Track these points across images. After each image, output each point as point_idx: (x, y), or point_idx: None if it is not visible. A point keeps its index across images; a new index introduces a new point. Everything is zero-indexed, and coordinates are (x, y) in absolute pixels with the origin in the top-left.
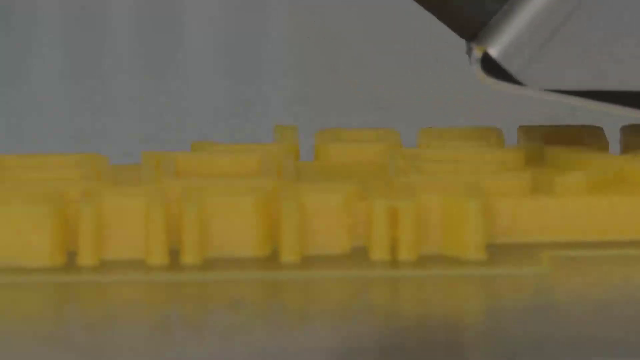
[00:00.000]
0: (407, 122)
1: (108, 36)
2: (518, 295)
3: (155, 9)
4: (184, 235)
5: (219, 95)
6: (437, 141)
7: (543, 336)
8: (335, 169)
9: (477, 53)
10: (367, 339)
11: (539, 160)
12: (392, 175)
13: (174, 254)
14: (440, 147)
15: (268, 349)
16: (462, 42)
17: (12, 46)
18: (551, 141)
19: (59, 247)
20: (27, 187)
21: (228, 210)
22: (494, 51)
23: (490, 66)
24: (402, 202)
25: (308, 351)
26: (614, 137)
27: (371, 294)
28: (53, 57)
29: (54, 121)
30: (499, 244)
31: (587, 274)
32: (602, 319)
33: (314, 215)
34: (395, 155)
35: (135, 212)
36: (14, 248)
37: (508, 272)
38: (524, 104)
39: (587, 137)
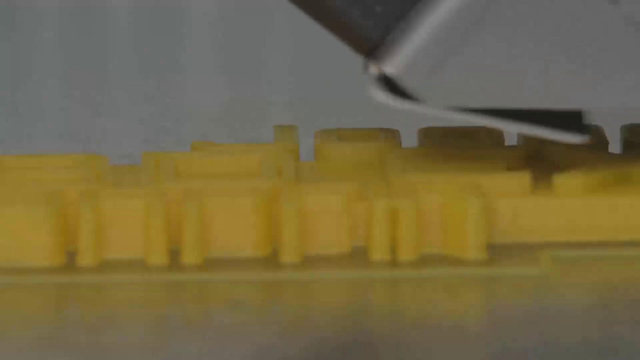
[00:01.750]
0: (407, 122)
1: (108, 36)
2: (518, 295)
3: (155, 9)
4: (184, 236)
5: (219, 95)
6: (437, 141)
7: (543, 336)
8: (336, 168)
9: (374, 70)
10: (368, 339)
11: (539, 160)
12: (392, 175)
13: (174, 254)
14: (440, 147)
15: (268, 349)
16: None
17: (12, 46)
18: (551, 141)
19: (59, 248)
20: (28, 187)
21: (228, 211)
22: (390, 69)
23: (388, 83)
24: (402, 202)
25: (308, 351)
26: (614, 136)
27: (371, 294)
28: (53, 58)
29: (54, 121)
30: (499, 244)
31: (587, 274)
32: (602, 319)
33: (314, 215)
34: (395, 155)
35: (135, 213)
36: (14, 248)
37: (508, 272)
38: None
39: None
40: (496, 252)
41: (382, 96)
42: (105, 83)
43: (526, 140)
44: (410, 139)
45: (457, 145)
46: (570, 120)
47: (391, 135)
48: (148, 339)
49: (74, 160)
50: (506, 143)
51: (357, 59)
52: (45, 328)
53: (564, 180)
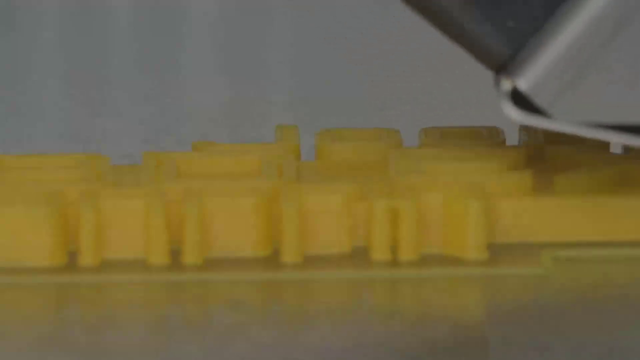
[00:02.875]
0: (407, 122)
1: (108, 36)
2: (518, 295)
3: (155, 9)
4: (185, 236)
5: (219, 95)
6: (438, 141)
7: (543, 336)
8: (336, 168)
9: (506, 86)
10: (368, 339)
11: (540, 159)
12: (393, 175)
13: (175, 254)
14: (441, 147)
15: (268, 349)
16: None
17: (12, 46)
18: (552, 140)
19: (59, 248)
20: (28, 187)
21: (229, 211)
22: (523, 84)
23: (519, 99)
24: (403, 202)
25: (308, 351)
26: None
27: (372, 294)
28: (54, 58)
29: (54, 121)
30: (499, 244)
31: (587, 274)
32: (602, 319)
33: (315, 215)
34: (395, 155)
35: (135, 213)
36: (15, 248)
37: (509, 272)
38: None
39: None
40: (497, 252)
41: (514, 112)
42: (105, 83)
43: (527, 139)
44: (410, 139)
45: (457, 145)
46: None
47: (392, 135)
48: (148, 339)
49: (74, 160)
50: (507, 143)
51: (358, 59)
52: (45, 328)
53: (564, 181)
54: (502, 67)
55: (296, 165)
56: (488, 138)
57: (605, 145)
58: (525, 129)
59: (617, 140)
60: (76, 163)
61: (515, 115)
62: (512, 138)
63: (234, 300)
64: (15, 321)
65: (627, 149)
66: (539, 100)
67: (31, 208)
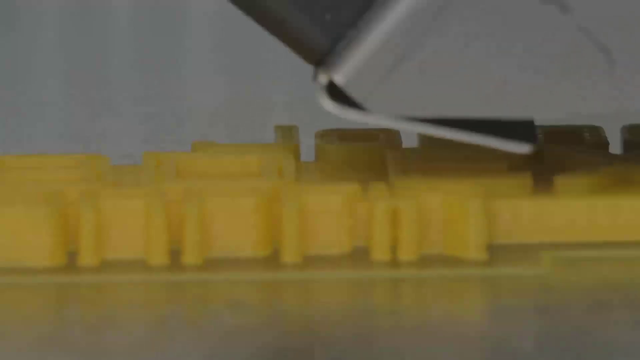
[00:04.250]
0: None
1: (108, 36)
2: (518, 295)
3: (155, 8)
4: (185, 236)
5: (219, 95)
6: (438, 141)
7: (543, 336)
8: (336, 169)
9: (323, 80)
10: (368, 339)
11: (539, 160)
12: (393, 175)
13: (175, 254)
14: (441, 147)
15: (268, 349)
16: None
17: (12, 46)
18: (551, 141)
19: (59, 248)
20: (28, 187)
21: (229, 211)
22: (339, 78)
23: (337, 92)
24: (403, 202)
25: (308, 351)
26: (614, 136)
27: (372, 294)
28: (53, 57)
29: (54, 121)
30: (499, 244)
31: (587, 274)
32: (602, 319)
33: (315, 215)
34: (395, 156)
35: (135, 213)
36: (15, 248)
37: (509, 272)
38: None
39: (587, 137)
40: (497, 252)
41: (330, 106)
42: (105, 83)
43: None
44: (410, 139)
45: (457, 146)
46: (519, 128)
47: (391, 135)
48: (148, 339)
49: (74, 160)
50: None
51: None
52: (45, 328)
53: (564, 181)
54: (320, 60)
55: (296, 165)
56: None
57: (604, 146)
58: None
59: (431, 133)
60: (76, 163)
61: (331, 108)
62: None
63: (234, 300)
64: (15, 321)
65: (627, 149)
66: (354, 94)
67: (31, 208)
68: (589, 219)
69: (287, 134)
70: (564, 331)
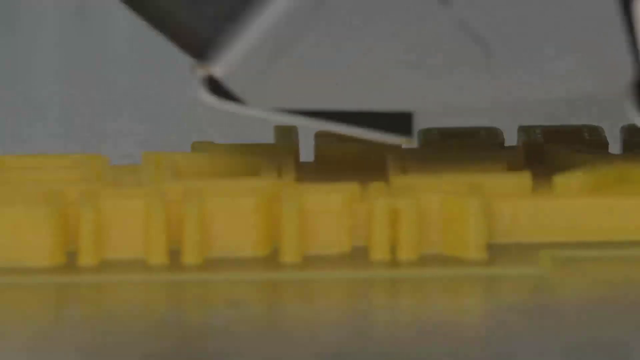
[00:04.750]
0: None
1: (108, 36)
2: (518, 295)
3: None
4: (185, 236)
5: None
6: (437, 141)
7: (543, 336)
8: (336, 169)
9: (201, 73)
10: (368, 339)
11: (539, 160)
12: (392, 175)
13: (175, 254)
14: (440, 147)
15: (268, 349)
16: None
17: (12, 46)
18: (551, 141)
19: (59, 248)
20: (28, 187)
21: (228, 211)
22: (217, 71)
23: (217, 85)
24: (403, 202)
25: (308, 351)
26: (614, 136)
27: (371, 294)
28: (53, 57)
29: (54, 121)
30: (499, 244)
31: (587, 274)
32: (602, 319)
33: (314, 215)
34: (395, 156)
35: (135, 213)
36: (15, 248)
37: (508, 272)
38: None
39: (587, 137)
40: (496, 252)
41: (208, 98)
42: (105, 83)
43: (526, 140)
44: None
45: (457, 145)
46: (398, 121)
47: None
48: (148, 339)
49: (74, 160)
50: (506, 143)
51: None
52: (45, 328)
53: (564, 181)
54: (200, 53)
55: (295, 165)
56: (487, 138)
57: (604, 146)
58: (524, 129)
59: (310, 126)
60: (76, 163)
61: (209, 101)
62: (512, 138)
63: (233, 300)
64: (14, 321)
65: (626, 149)
66: (232, 87)
67: (31, 208)
68: (588, 218)
69: (287, 134)
70: (563, 331)
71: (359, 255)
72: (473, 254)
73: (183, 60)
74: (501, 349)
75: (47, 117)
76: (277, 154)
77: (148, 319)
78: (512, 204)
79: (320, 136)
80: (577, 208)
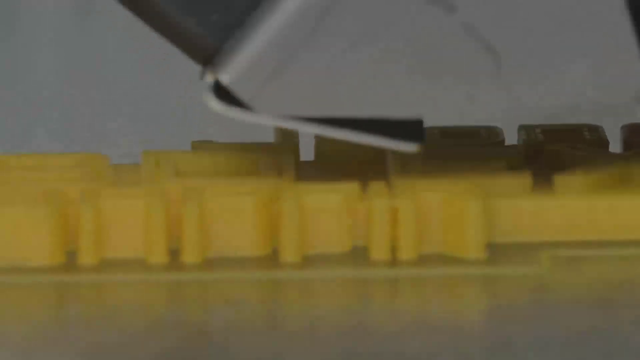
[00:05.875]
0: None
1: (108, 35)
2: (518, 295)
3: None
4: (185, 235)
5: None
6: (437, 141)
7: (542, 335)
8: (336, 168)
9: (209, 79)
10: (368, 338)
11: (539, 159)
12: (392, 174)
13: (175, 254)
14: (440, 147)
15: (268, 349)
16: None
17: (12, 46)
18: (551, 140)
19: (59, 247)
20: (28, 187)
21: (228, 210)
22: (225, 77)
23: (225, 92)
24: (403, 201)
25: (308, 351)
26: (614, 136)
27: (371, 293)
28: (53, 57)
29: (54, 121)
30: (499, 244)
31: (587, 274)
32: (601, 319)
33: (314, 214)
34: (395, 155)
35: (135, 212)
36: (15, 247)
37: (508, 272)
38: (525, 103)
39: (587, 136)
40: (496, 251)
41: (217, 105)
42: (105, 82)
43: (526, 139)
44: None
45: (457, 145)
46: (406, 127)
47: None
48: (148, 339)
49: (74, 159)
50: (506, 143)
51: None
52: (45, 327)
53: (564, 180)
54: (207, 60)
55: (295, 164)
56: (487, 138)
57: (604, 145)
58: (524, 128)
59: (318, 133)
60: (76, 162)
61: (217, 108)
62: (512, 138)
63: (233, 299)
64: (14, 320)
65: (626, 148)
66: (240, 93)
67: (31, 207)
68: (589, 218)
69: (287, 133)
70: (563, 330)
71: (358, 255)
72: (473, 253)
73: (183, 60)
74: (501, 348)
75: (48, 116)
76: (277, 153)
77: (148, 319)
78: (512, 203)
79: (320, 135)
80: (578, 207)
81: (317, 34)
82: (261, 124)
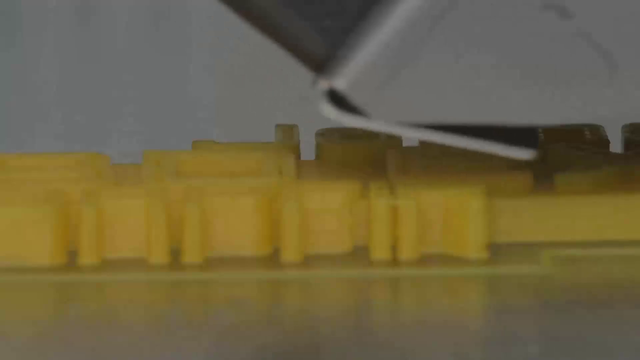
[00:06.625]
0: None
1: (109, 35)
2: (519, 294)
3: (156, 7)
4: (185, 235)
5: (219, 94)
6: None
7: (544, 335)
8: (336, 167)
9: (323, 86)
10: (368, 338)
11: (540, 159)
12: (393, 174)
13: (175, 253)
14: (441, 146)
15: (268, 349)
16: None
17: (12, 46)
18: (552, 140)
19: (60, 247)
20: (28, 187)
21: (229, 210)
22: (340, 84)
23: (338, 98)
24: (403, 201)
25: (309, 350)
26: (614, 135)
27: (372, 293)
28: (53, 56)
29: (54, 121)
30: (500, 243)
31: (588, 273)
32: (603, 318)
33: (315, 214)
34: (395, 154)
35: (136, 212)
36: (15, 248)
37: (509, 272)
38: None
39: (588, 136)
40: (497, 251)
41: (332, 112)
42: (106, 82)
43: None
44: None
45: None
46: (520, 134)
47: (392, 134)
48: (148, 338)
49: (74, 159)
50: None
51: None
52: (46, 327)
53: (565, 180)
54: (320, 66)
55: (296, 164)
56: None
57: (605, 145)
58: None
59: (432, 139)
60: (77, 162)
61: (333, 115)
62: None
63: (234, 299)
64: (15, 320)
65: (627, 148)
66: (355, 100)
67: (32, 207)
68: (590, 217)
69: (288, 132)
70: (564, 330)
71: (359, 255)
72: (474, 253)
73: (183, 60)
74: (502, 348)
75: (47, 117)
76: (278, 152)
77: (149, 319)
78: (513, 203)
79: (321, 135)
80: (578, 207)
81: (431, 39)
82: (378, 130)
